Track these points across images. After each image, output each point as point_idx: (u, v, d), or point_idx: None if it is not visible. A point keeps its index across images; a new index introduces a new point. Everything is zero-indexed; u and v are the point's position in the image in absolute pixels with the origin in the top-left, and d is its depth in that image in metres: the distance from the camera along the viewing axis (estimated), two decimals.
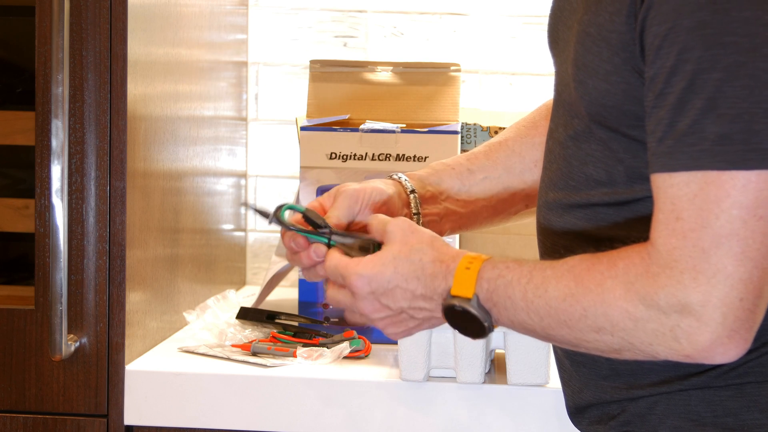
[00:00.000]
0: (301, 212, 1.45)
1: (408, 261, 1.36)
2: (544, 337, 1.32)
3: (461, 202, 1.60)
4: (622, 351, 1.26)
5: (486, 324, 1.33)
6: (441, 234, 1.59)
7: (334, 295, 1.42)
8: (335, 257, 1.41)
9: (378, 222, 1.42)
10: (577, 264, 1.28)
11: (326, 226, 1.45)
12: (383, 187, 1.53)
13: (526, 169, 1.60)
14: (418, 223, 1.55)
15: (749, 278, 1.19)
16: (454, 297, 1.33)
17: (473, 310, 1.32)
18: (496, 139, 1.65)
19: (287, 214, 1.45)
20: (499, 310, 1.32)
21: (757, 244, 1.18)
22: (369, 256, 1.38)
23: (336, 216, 1.48)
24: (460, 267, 1.33)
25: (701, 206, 1.19)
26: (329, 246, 1.44)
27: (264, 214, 1.46)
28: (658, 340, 1.22)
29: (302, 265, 1.46)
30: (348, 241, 1.43)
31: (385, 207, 1.52)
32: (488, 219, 1.63)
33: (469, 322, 1.33)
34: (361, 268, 1.37)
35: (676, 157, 1.21)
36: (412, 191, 1.56)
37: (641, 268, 1.22)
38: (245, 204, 1.48)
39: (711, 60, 1.19)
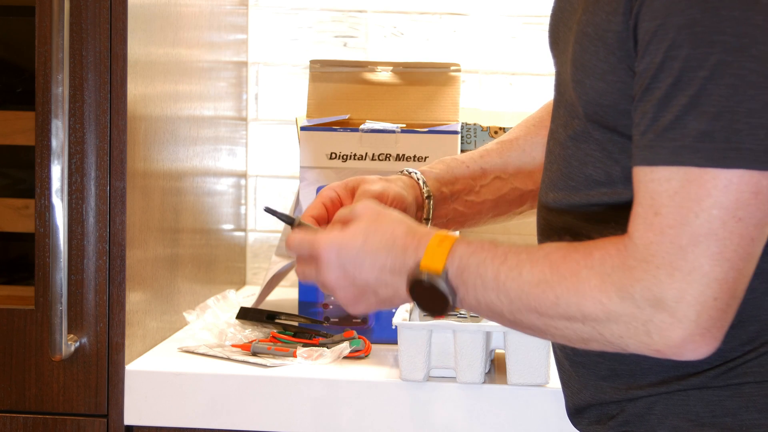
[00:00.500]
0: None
1: (379, 233, 1.35)
2: (510, 321, 1.30)
3: (469, 203, 1.60)
4: (590, 341, 1.26)
5: (451, 301, 1.31)
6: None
7: (302, 270, 1.40)
8: (301, 234, 1.40)
9: (344, 209, 1.41)
10: (553, 251, 1.27)
11: None
12: (404, 193, 1.53)
13: (537, 171, 1.60)
14: (427, 225, 1.55)
15: (724, 278, 1.19)
16: (422, 271, 1.32)
17: (441, 284, 1.30)
18: (507, 137, 1.65)
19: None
20: (467, 289, 1.30)
21: (734, 245, 1.19)
22: (337, 230, 1.37)
23: None
24: (432, 240, 1.33)
25: (681, 203, 1.19)
26: None
27: (288, 219, 1.46)
28: (630, 333, 1.23)
29: None
30: None
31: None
32: (492, 218, 1.63)
33: (433, 297, 1.32)
34: (331, 238, 1.36)
35: (657, 151, 1.21)
36: (428, 197, 1.56)
37: (618, 260, 1.23)
38: (267, 209, 1.46)
39: (698, 58, 1.19)
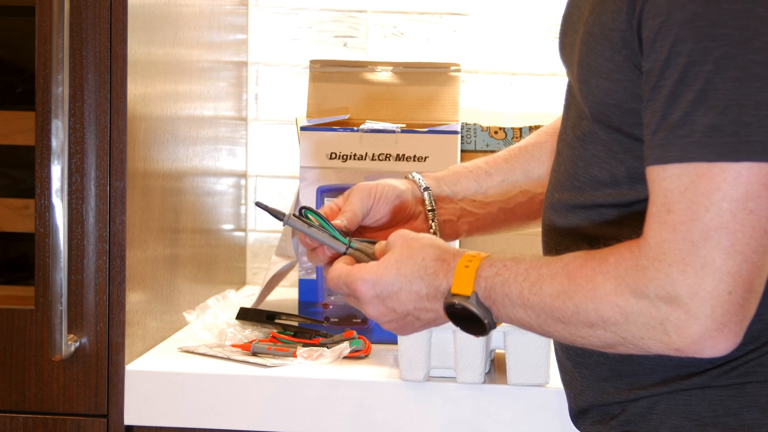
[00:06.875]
0: (319, 219, 1.46)
1: (411, 261, 1.37)
2: (541, 332, 1.33)
3: (477, 203, 1.60)
4: (616, 345, 1.27)
5: (486, 321, 1.33)
6: (458, 235, 1.60)
7: (347, 300, 1.44)
8: (337, 267, 1.42)
9: (379, 243, 1.43)
10: (571, 261, 1.28)
11: (344, 234, 1.46)
12: (396, 183, 1.55)
13: (545, 174, 1.61)
14: (433, 220, 1.56)
15: (738, 272, 1.19)
16: (454, 295, 1.34)
17: (472, 308, 1.33)
18: (516, 144, 1.66)
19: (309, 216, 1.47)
20: (498, 307, 1.33)
21: (747, 237, 1.19)
22: (372, 262, 1.39)
23: (351, 210, 1.49)
24: (459, 265, 1.34)
25: (692, 199, 1.19)
26: (348, 247, 1.45)
27: (277, 214, 1.47)
28: (649, 333, 1.23)
29: (321, 262, 1.47)
30: (365, 245, 1.45)
31: (399, 202, 1.54)
32: (506, 222, 1.63)
33: (469, 319, 1.34)
34: (364, 273, 1.38)
35: (668, 149, 1.21)
36: (426, 188, 1.57)
37: (631, 262, 1.23)
38: (258, 204, 1.49)
39: (702, 52, 1.19)
